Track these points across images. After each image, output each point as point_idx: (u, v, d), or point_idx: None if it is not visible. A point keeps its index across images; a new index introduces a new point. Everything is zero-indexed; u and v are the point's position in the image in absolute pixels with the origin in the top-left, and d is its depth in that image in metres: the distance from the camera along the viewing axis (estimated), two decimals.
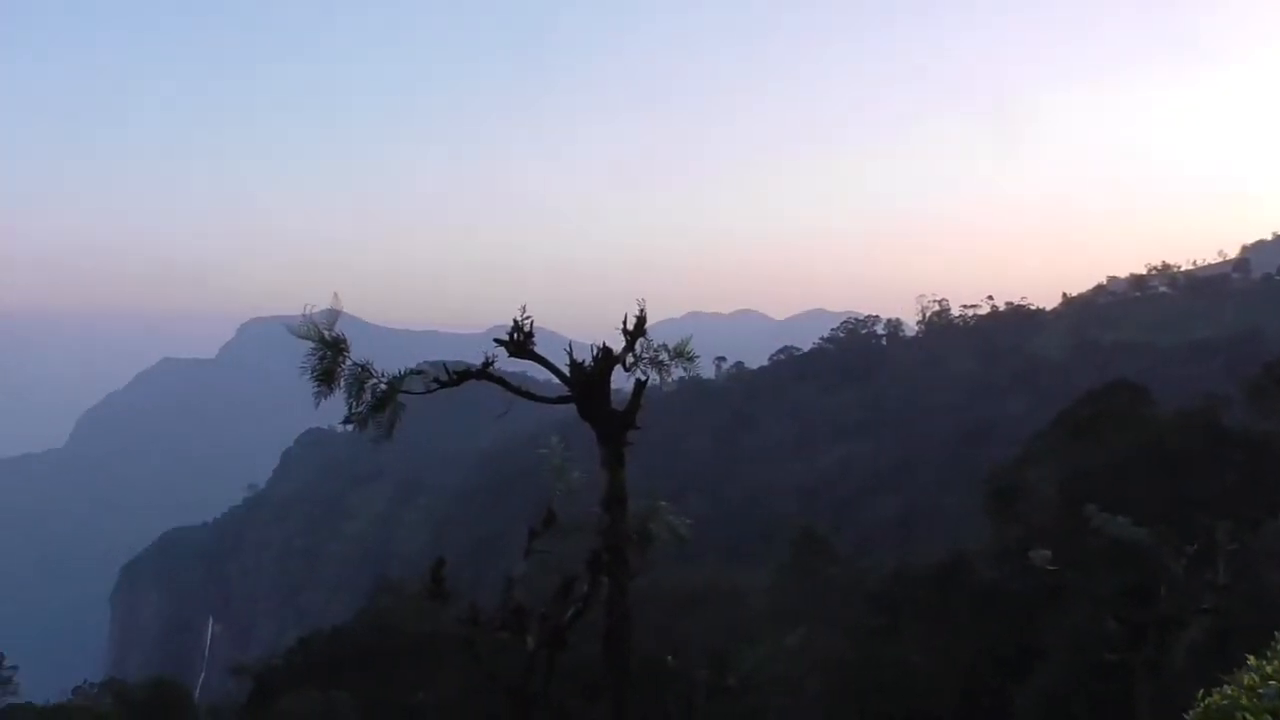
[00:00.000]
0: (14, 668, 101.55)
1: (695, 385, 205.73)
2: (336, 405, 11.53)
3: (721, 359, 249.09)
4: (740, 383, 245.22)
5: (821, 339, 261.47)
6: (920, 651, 41.79)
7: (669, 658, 51.38)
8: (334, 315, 9.96)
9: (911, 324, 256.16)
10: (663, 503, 12.80)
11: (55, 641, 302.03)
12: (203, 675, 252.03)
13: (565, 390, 11.20)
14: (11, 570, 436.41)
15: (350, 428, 10.68)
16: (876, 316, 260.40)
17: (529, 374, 11.49)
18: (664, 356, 10.61)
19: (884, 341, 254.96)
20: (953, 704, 39.88)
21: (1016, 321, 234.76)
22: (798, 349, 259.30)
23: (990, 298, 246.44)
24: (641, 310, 10.42)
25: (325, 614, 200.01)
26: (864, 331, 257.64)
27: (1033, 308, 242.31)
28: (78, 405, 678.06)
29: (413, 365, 11.25)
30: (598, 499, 16.39)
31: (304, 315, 9.90)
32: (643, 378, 10.58)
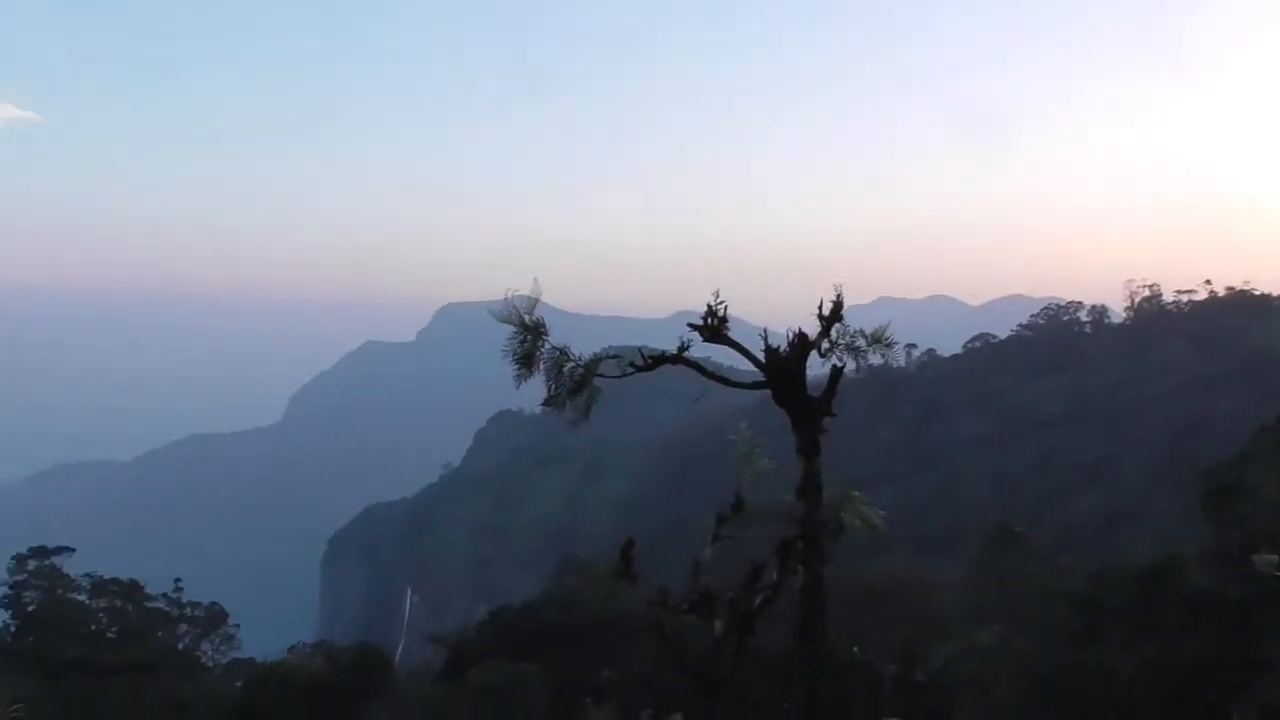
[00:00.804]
0: (236, 625, 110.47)
1: (885, 373, 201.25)
2: (526, 389, 11.89)
3: (912, 346, 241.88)
4: (932, 371, 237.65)
5: (1020, 326, 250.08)
6: (1124, 658, 39.62)
7: (854, 649, 50.76)
8: (534, 300, 10.25)
9: (1118, 311, 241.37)
10: (855, 492, 12.61)
11: (271, 603, 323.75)
12: (402, 643, 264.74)
13: (757, 376, 11.16)
14: (232, 536, 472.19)
15: (548, 410, 10.97)
16: (1080, 303, 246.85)
17: (712, 359, 11.54)
18: (860, 342, 10.41)
19: (1088, 329, 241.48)
20: (1160, 715, 37.71)
21: (1239, 308, 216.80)
22: (994, 336, 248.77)
23: (1208, 282, 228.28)
24: (838, 295, 10.26)
25: (514, 589, 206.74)
26: (1066, 318, 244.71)
27: (1257, 293, 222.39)
28: (290, 385, 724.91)
29: (603, 350, 11.46)
30: (784, 486, 16.31)
31: (505, 299, 10.21)
32: (839, 364, 10.41)
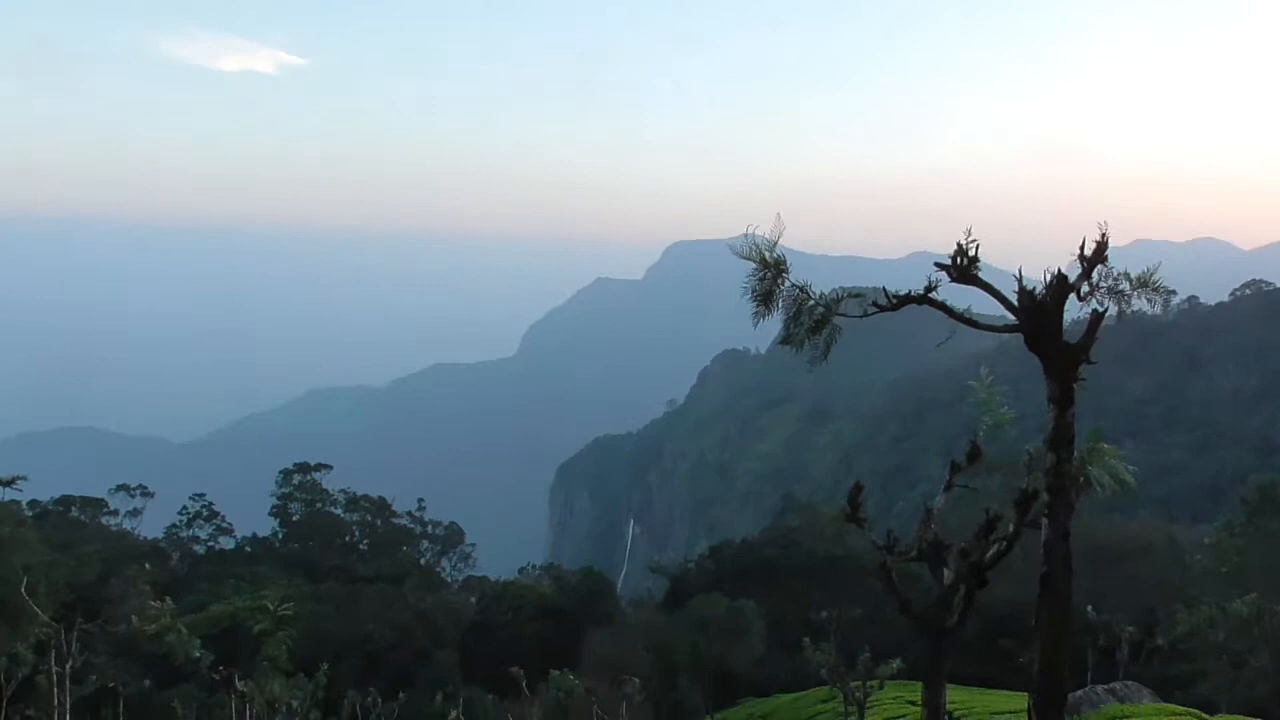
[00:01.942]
0: (472, 545, 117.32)
1: (1139, 322, 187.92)
2: (751, 329, 11.83)
3: (1172, 292, 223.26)
4: (1194, 320, 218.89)
5: None
6: None
7: (1089, 608, 48.49)
8: (775, 236, 10.15)
9: None
10: (1105, 445, 11.92)
11: (504, 526, 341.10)
12: (624, 570, 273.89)
13: (1001, 320, 10.67)
14: (469, 461, 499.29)
15: (785, 348, 10.91)
16: None
17: (949, 301, 11.07)
18: (1124, 286, 9.73)
19: None
20: None
21: None
22: (1268, 284, 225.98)
23: None
24: (1103, 234, 9.61)
25: (734, 526, 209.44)
26: None
27: None
28: (525, 320, 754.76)
29: (840, 290, 11.26)
30: (1021, 437, 15.61)
31: (745, 236, 10.16)
32: (1099, 308, 9.80)
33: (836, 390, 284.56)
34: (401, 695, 52.71)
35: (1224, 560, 53.20)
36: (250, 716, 42.19)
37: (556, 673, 51.10)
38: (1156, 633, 51.75)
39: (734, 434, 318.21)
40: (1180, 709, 30.41)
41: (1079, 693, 33.13)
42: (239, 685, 38.98)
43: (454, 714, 50.55)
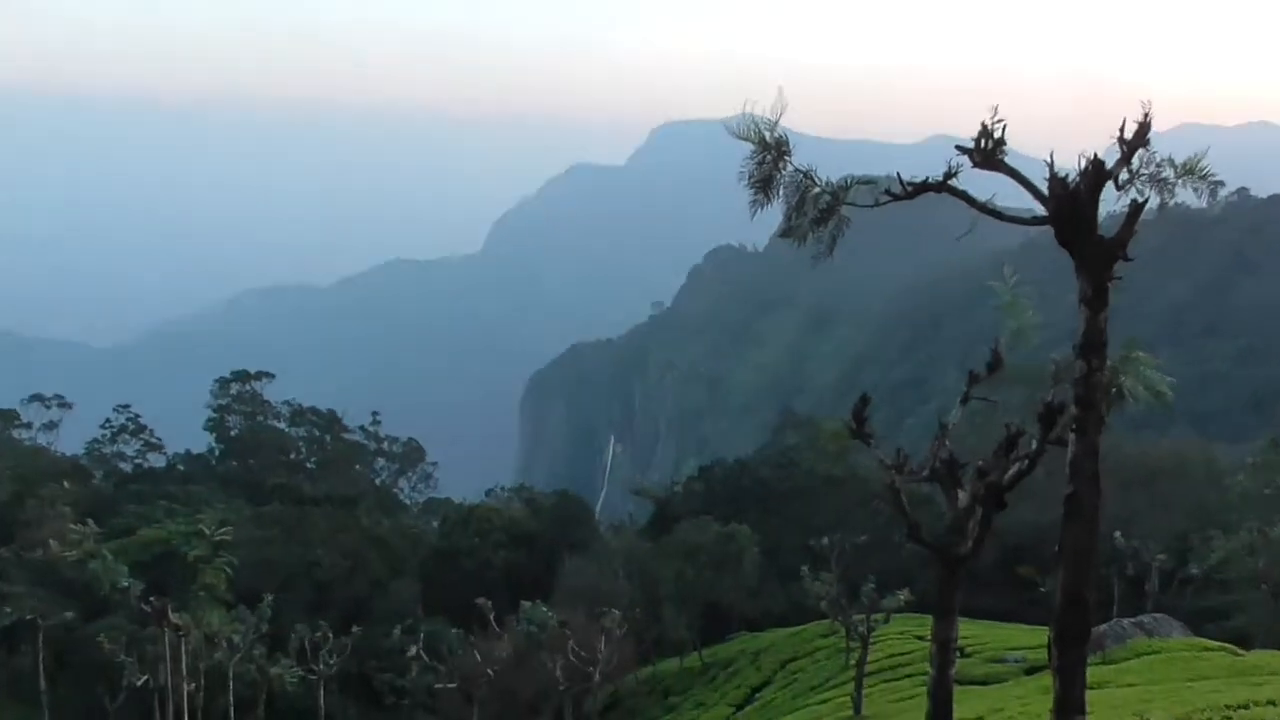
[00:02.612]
0: (434, 464, 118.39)
1: (1180, 216, 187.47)
2: (749, 223, 11.71)
3: (1219, 183, 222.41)
4: (1243, 214, 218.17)
5: None
6: None
7: (1116, 534, 49.44)
8: (777, 115, 10.00)
9: None
10: (1140, 354, 12.01)
11: (468, 442, 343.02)
12: (603, 492, 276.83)
13: (1028, 213, 10.62)
14: (427, 369, 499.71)
15: (786, 242, 10.85)
16: None
17: (971, 191, 10.99)
18: (1167, 173, 9.65)
19: None
20: None
21: None
22: None
23: None
24: (1145, 116, 9.50)
25: (726, 444, 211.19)
26: None
27: None
28: (491, 211, 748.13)
29: (849, 177, 11.15)
30: (1047, 344, 15.68)
31: (743, 114, 10.01)
32: (1139, 198, 9.73)
33: (842, 292, 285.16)
34: (355, 629, 53.60)
35: (1268, 481, 54.12)
36: (186, 651, 42.63)
37: (528, 604, 52.02)
38: (1190, 560, 52.85)
39: (727, 341, 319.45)
40: (1213, 644, 31.25)
41: (1104, 627, 33.87)
42: (173, 617, 39.43)
43: (414, 649, 51.51)
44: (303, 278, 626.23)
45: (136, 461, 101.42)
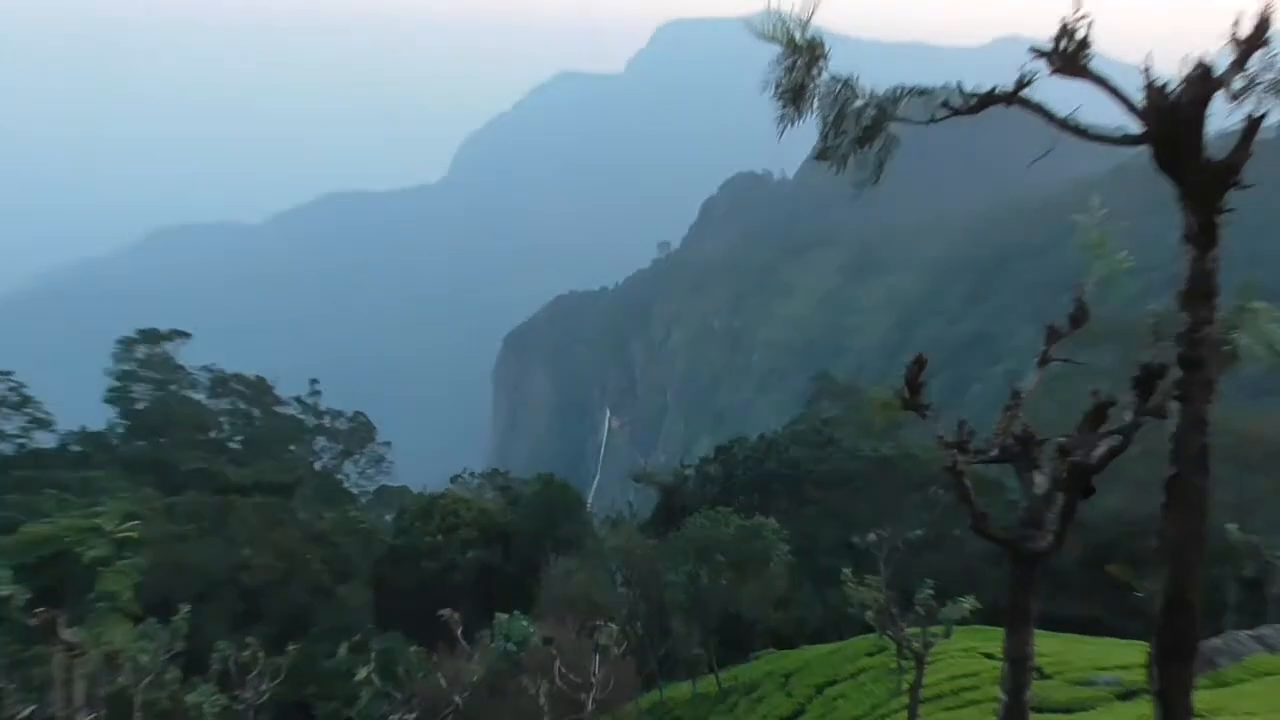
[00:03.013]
0: (387, 444, 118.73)
1: None
2: (779, 145, 11.66)
3: None
4: None
5: None
6: None
7: (1230, 526, 49.66)
8: (810, 11, 9.93)
9: None
10: (1259, 304, 12.01)
11: (430, 418, 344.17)
12: (596, 479, 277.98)
13: (1119, 131, 10.58)
14: (379, 326, 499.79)
15: (822, 165, 10.82)
16: None
17: (1048, 104, 10.93)
18: None
19: None
20: None
21: None
22: None
23: None
24: (1265, 10, 9.44)
25: (749, 418, 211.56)
26: None
27: None
28: (458, 131, 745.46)
29: (900, 87, 11.09)
30: (1144, 293, 15.67)
31: (767, 10, 9.95)
32: (1257, 111, 9.69)
33: (891, 230, 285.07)
34: (292, 647, 53.77)
35: None
36: (82, 675, 42.63)
37: (505, 616, 52.24)
38: None
39: (749, 291, 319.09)
40: None
41: (1216, 640, 33.96)
42: (65, 633, 39.42)
43: (364, 671, 51.75)
44: (227, 214, 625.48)
45: (20, 441, 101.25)
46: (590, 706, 46.82)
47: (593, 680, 45.77)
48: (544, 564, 70.22)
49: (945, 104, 10.23)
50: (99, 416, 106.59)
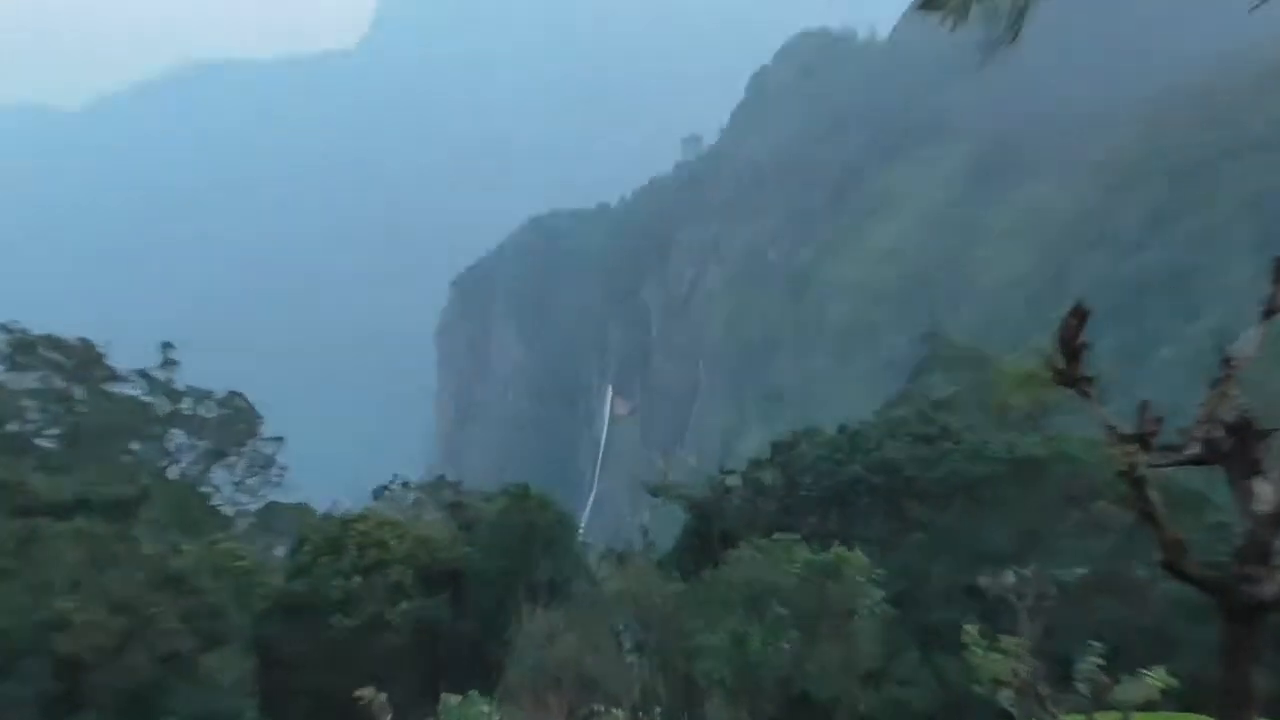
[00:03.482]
0: (278, 439, 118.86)
1: None
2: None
3: None
4: None
5: None
6: None
7: None
8: None
9: None
10: None
11: (342, 400, 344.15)
12: (594, 491, 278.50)
13: None
14: (262, 262, 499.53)
15: (930, 14, 10.69)
16: None
17: None
18: None
19: None
20: None
21: None
22: None
23: None
24: None
25: (821, 398, 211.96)
26: None
27: None
28: None
29: None
30: None
31: None
32: None
33: (1035, 119, 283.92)
34: None
35: None
36: None
37: (454, 699, 52.32)
38: None
39: (822, 208, 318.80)
40: None
41: None
42: None
43: None
44: (33, 95, 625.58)
45: None
46: None
47: None
48: (514, 619, 70.25)
49: None
50: None
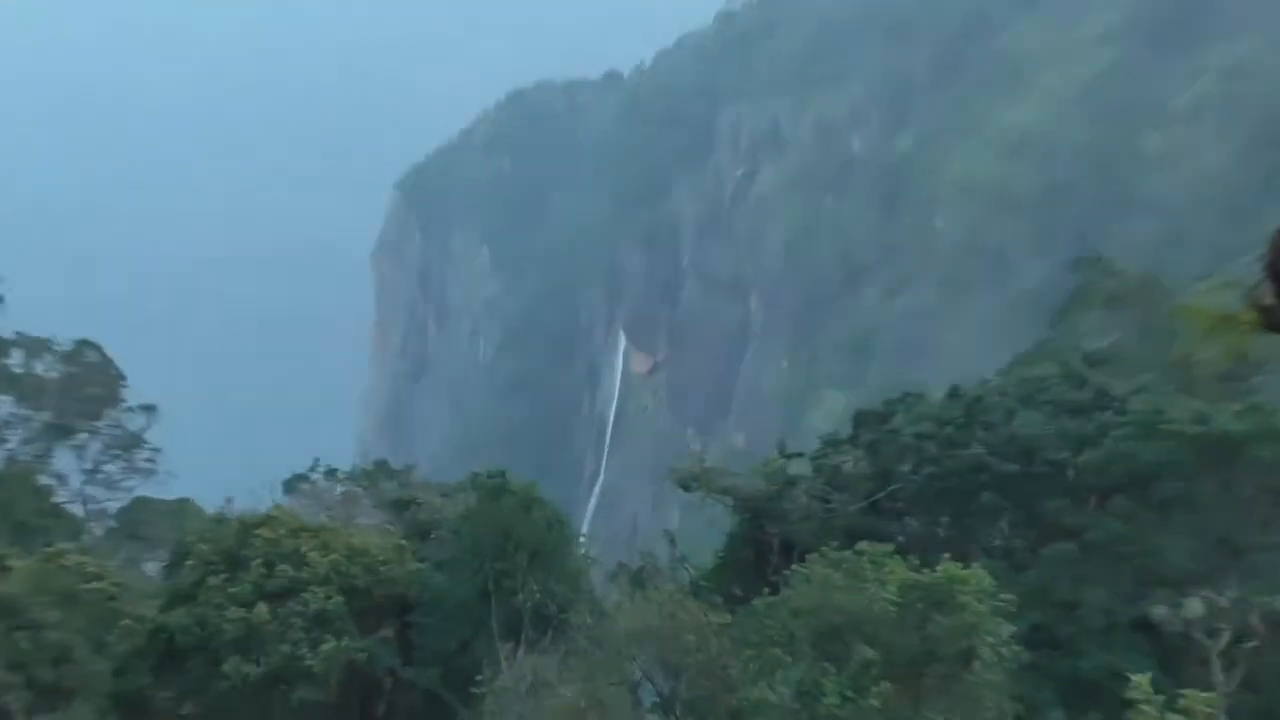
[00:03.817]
0: (150, 408, 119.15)
1: None
2: None
3: None
4: None
5: None
6: None
7: None
8: None
9: None
10: None
11: (241, 341, 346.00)
12: (600, 479, 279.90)
13: None
14: (153, 178, 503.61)
15: None
16: None
17: None
18: None
19: None
20: None
21: None
22: None
23: None
24: None
25: (925, 346, 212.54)
26: None
27: None
28: None
29: None
30: None
31: None
32: None
33: None
34: None
35: None
36: None
37: None
38: None
39: (925, 79, 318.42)
40: None
41: None
42: None
43: None
44: None
45: None
46: None
47: None
48: (485, 665, 70.29)
49: None
50: None
